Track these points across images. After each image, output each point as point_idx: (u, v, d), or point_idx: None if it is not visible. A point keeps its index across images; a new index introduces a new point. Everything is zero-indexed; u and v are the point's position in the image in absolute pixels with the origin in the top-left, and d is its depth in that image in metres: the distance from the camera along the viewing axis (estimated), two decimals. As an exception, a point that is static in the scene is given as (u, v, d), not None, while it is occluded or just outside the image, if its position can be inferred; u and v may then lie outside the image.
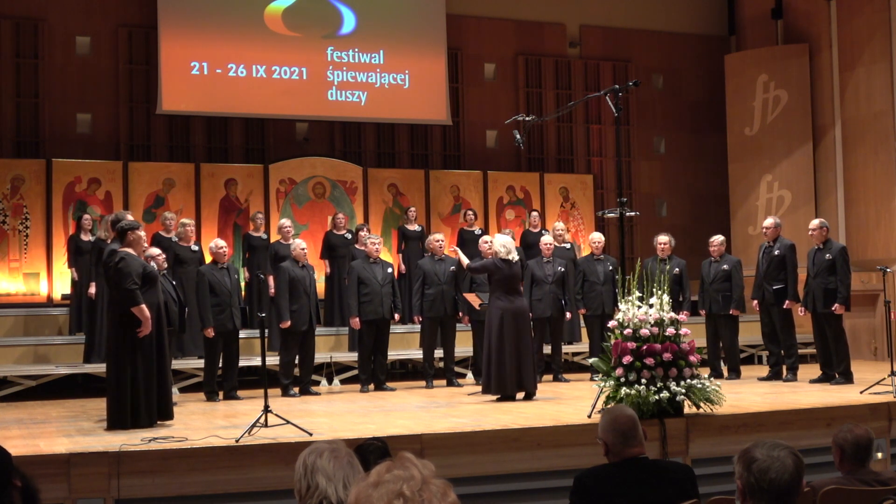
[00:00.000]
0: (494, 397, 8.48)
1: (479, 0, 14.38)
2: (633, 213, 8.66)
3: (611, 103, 7.81)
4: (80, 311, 10.57)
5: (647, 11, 15.15)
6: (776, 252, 9.85)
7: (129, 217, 7.46)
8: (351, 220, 12.54)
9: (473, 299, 9.52)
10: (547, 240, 10.51)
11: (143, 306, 6.90)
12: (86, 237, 10.74)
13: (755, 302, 10.03)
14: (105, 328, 9.93)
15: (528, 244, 11.81)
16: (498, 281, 8.55)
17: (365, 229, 11.56)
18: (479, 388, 9.36)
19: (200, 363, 9.59)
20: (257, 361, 9.32)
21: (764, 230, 10.09)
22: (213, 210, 12.46)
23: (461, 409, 7.89)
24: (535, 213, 12.57)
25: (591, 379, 9.07)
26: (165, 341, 7.29)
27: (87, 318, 10.28)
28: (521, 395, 8.50)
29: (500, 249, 8.55)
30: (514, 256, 8.59)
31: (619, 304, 7.08)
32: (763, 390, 8.84)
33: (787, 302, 9.73)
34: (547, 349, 10.44)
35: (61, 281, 11.47)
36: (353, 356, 10.48)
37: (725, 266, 10.24)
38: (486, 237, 10.49)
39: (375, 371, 9.84)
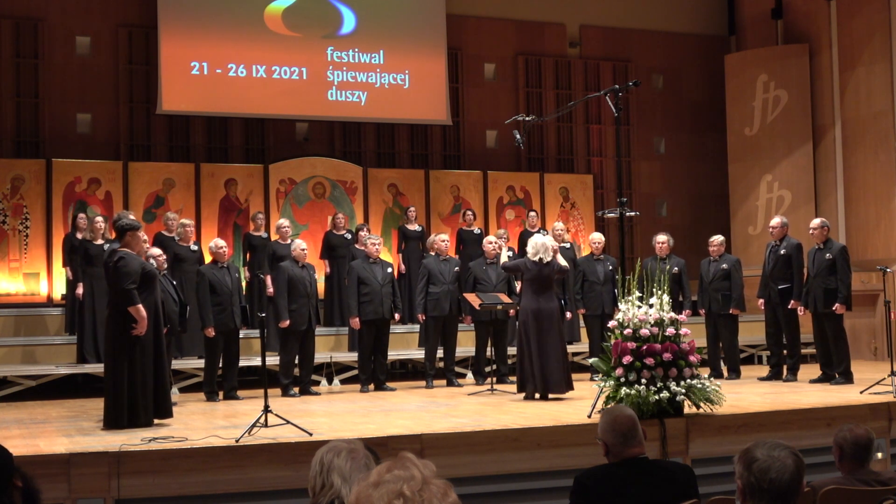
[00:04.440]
0: (520, 395, 8.53)
1: (479, 0, 14.39)
2: (633, 213, 8.67)
3: (611, 103, 7.81)
4: (75, 310, 10.57)
5: (647, 11, 15.15)
6: (782, 251, 9.84)
7: (131, 217, 7.46)
8: (351, 220, 12.54)
9: (473, 299, 9.53)
10: (550, 239, 10.49)
11: (140, 306, 6.91)
12: (81, 236, 10.73)
13: (761, 301, 10.01)
14: (92, 328, 10.01)
15: (527, 244, 11.80)
16: (525, 281, 8.71)
17: (365, 229, 11.56)
18: (480, 389, 9.44)
19: (200, 363, 9.60)
20: (257, 361, 9.33)
21: (771, 229, 10.06)
22: (213, 210, 12.46)
23: (461, 409, 7.88)
24: (532, 213, 12.56)
25: (591, 379, 9.07)
26: (163, 341, 7.31)
27: (78, 318, 10.28)
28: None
29: (528, 250, 8.72)
30: (546, 257, 8.61)
31: (618, 304, 7.08)
32: (763, 390, 8.84)
33: (791, 302, 9.72)
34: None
35: (61, 281, 11.45)
36: (353, 356, 10.48)
37: (725, 265, 10.24)
38: (489, 237, 10.53)
39: (375, 371, 9.84)
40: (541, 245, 8.64)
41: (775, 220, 10.08)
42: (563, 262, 9.04)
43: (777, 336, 9.95)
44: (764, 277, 9.98)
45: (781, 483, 2.79)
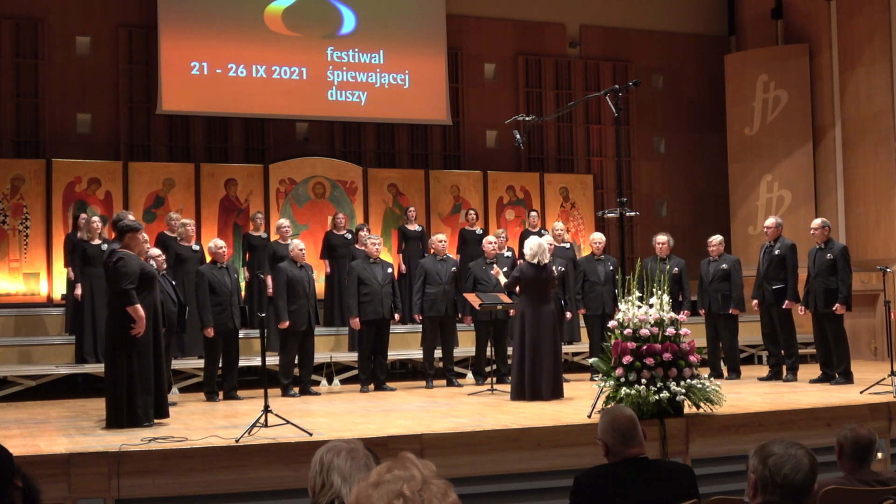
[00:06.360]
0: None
1: (479, 0, 14.38)
2: (633, 213, 8.67)
3: (611, 103, 7.81)
4: (75, 311, 10.56)
5: (647, 11, 15.15)
6: (776, 252, 9.85)
7: (131, 217, 7.47)
8: (351, 220, 12.54)
9: (473, 299, 9.52)
10: (547, 240, 10.50)
11: (138, 306, 6.93)
12: (80, 236, 10.72)
13: (755, 302, 10.03)
14: (92, 328, 10.00)
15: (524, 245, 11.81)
16: (524, 285, 8.63)
17: (365, 229, 11.56)
18: (480, 389, 9.44)
19: (200, 363, 9.59)
20: (257, 361, 9.33)
21: (765, 230, 10.09)
22: (213, 210, 12.46)
23: (461, 409, 7.88)
24: (533, 213, 12.57)
25: (591, 379, 9.08)
26: (162, 341, 7.32)
27: (77, 318, 10.27)
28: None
29: (526, 253, 8.66)
30: (543, 260, 8.57)
31: (619, 304, 7.08)
32: (763, 390, 8.84)
33: (786, 302, 9.74)
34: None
35: (61, 281, 11.44)
36: (353, 356, 10.48)
37: (724, 265, 10.25)
38: (489, 237, 10.52)
39: (375, 371, 9.84)
40: (538, 247, 8.60)
41: (769, 221, 10.10)
42: (555, 269, 8.98)
43: (773, 336, 9.95)
44: (758, 278, 9.99)
45: (795, 480, 2.82)
